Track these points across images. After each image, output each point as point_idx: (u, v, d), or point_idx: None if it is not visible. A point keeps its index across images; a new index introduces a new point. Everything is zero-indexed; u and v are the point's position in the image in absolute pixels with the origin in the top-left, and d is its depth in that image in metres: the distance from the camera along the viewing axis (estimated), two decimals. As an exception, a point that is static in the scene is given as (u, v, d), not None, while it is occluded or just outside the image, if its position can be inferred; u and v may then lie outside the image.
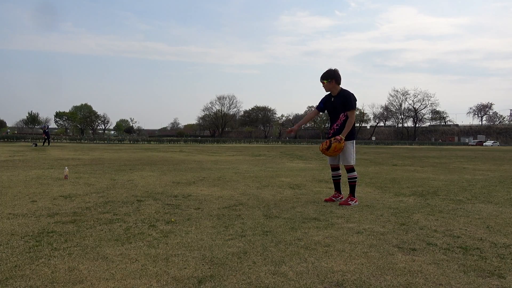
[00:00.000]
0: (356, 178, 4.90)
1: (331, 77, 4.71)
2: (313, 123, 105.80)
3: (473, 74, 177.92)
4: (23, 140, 41.15)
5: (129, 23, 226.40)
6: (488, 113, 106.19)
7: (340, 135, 4.67)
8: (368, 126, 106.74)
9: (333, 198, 5.07)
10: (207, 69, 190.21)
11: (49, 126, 30.83)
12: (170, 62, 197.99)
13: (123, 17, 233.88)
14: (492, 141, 77.80)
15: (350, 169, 4.86)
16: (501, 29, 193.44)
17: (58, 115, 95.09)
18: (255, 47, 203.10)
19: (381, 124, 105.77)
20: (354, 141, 4.89)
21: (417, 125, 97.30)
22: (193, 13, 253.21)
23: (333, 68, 4.77)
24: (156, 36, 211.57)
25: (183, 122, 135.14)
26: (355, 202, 4.80)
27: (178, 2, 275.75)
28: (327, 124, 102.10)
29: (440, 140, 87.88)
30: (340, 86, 4.81)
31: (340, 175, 5.14)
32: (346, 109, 4.73)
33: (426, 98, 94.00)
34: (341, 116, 4.79)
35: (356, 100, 4.80)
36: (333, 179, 5.18)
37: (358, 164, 12.59)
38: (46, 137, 26.70)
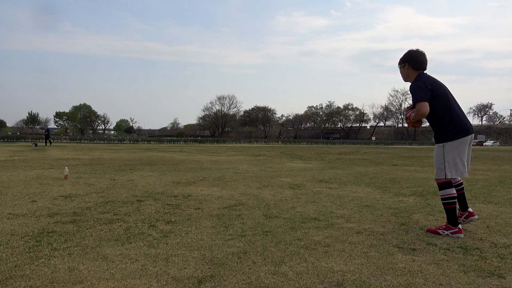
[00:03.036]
0: (450, 199, 3.41)
1: (403, 61, 3.60)
2: (313, 123, 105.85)
3: (470, 74, 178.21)
4: (23, 140, 41.14)
5: (126, 22, 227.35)
6: (488, 113, 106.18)
7: (411, 116, 3.53)
8: (368, 126, 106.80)
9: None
10: (205, 69, 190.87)
11: (48, 127, 30.83)
12: (168, 62, 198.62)
13: (121, 17, 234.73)
14: (492, 141, 77.79)
15: (439, 186, 3.50)
16: (499, 29, 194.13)
17: (58, 115, 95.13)
18: (253, 47, 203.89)
19: (381, 124, 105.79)
20: (448, 144, 3.39)
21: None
22: (191, 12, 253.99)
23: (414, 49, 3.58)
24: (153, 35, 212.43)
25: (183, 122, 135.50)
26: (452, 232, 3.39)
27: (176, 2, 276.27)
28: (327, 124, 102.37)
29: None
30: (421, 72, 3.53)
31: (458, 184, 3.64)
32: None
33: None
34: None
35: (424, 88, 3.35)
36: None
37: (358, 164, 12.57)
38: (45, 137, 26.85)
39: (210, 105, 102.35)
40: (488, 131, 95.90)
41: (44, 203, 4.60)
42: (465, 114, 3.56)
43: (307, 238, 3.25)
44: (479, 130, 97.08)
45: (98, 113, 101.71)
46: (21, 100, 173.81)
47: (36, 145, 24.88)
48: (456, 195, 3.43)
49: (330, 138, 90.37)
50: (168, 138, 58.56)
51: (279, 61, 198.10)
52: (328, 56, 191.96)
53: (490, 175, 9.23)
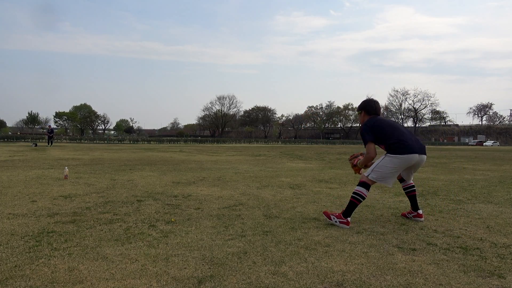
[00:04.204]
0: (359, 196, 3.72)
1: (359, 109, 4.11)
2: (313, 123, 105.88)
3: (470, 74, 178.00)
4: (23, 140, 41.15)
5: (126, 22, 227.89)
6: (488, 113, 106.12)
7: (359, 162, 4.04)
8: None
9: (406, 215, 4.18)
10: (205, 68, 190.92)
11: (49, 126, 31.04)
12: (168, 61, 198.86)
13: (120, 16, 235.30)
14: (492, 141, 77.78)
15: (360, 182, 3.80)
16: (498, 29, 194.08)
17: (58, 115, 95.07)
18: (252, 47, 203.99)
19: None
20: (390, 155, 3.71)
21: (417, 125, 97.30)
22: (190, 12, 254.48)
23: (369, 98, 4.22)
24: (153, 35, 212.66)
25: (183, 122, 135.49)
26: (340, 222, 3.69)
27: (175, 2, 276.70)
28: (327, 124, 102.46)
29: (444, 140, 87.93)
30: (372, 116, 3.98)
31: (410, 187, 4.12)
32: None
33: (426, 98, 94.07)
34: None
35: (367, 129, 3.82)
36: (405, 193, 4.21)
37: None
38: (48, 137, 27.02)
39: (210, 105, 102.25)
40: (488, 131, 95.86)
41: (44, 203, 4.60)
42: (418, 140, 3.92)
43: (307, 238, 3.25)
44: (479, 130, 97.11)
45: (98, 113, 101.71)
46: (21, 100, 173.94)
47: (36, 145, 24.89)
48: (365, 196, 3.75)
49: (330, 138, 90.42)
50: (168, 138, 58.54)
51: (279, 61, 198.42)
52: (327, 56, 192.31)
53: (490, 175, 9.23)
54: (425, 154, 3.87)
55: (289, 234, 3.36)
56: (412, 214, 4.07)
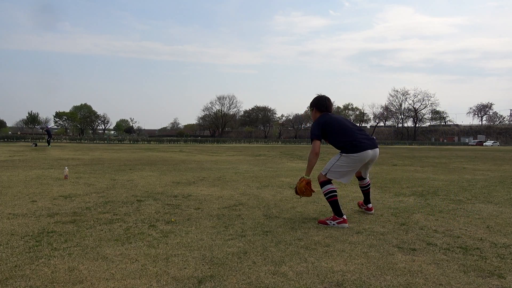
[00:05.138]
0: (330, 193, 3.81)
1: (311, 106, 4.12)
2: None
3: (470, 74, 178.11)
4: (23, 140, 41.14)
5: (125, 22, 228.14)
6: (488, 113, 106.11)
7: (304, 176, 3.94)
8: (368, 126, 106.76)
9: (360, 206, 4.55)
10: (205, 68, 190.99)
11: (49, 127, 31.08)
12: (168, 61, 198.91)
13: (119, 16, 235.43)
14: (492, 141, 77.79)
15: (320, 184, 3.90)
16: (498, 29, 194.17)
17: (58, 115, 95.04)
18: (252, 47, 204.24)
19: (381, 124, 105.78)
20: (345, 155, 3.82)
21: (417, 125, 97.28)
22: (190, 12, 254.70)
23: (321, 94, 4.13)
24: (152, 35, 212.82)
25: (183, 122, 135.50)
26: (338, 222, 3.72)
27: (175, 2, 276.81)
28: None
29: (444, 140, 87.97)
30: (324, 113, 4.02)
31: (366, 185, 4.36)
32: None
33: (426, 98, 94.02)
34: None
35: (317, 126, 3.87)
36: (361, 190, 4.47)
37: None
38: (48, 137, 27.06)
39: (210, 105, 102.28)
40: (488, 131, 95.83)
41: (44, 203, 4.60)
42: (368, 134, 4.05)
43: (307, 238, 3.25)
44: (479, 130, 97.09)
45: (98, 113, 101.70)
46: (21, 100, 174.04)
47: (36, 145, 24.89)
48: (335, 189, 3.85)
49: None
50: (168, 138, 58.52)
51: (279, 61, 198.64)
52: (327, 56, 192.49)
53: (490, 175, 9.23)
54: (377, 147, 4.00)
55: (289, 234, 3.36)
56: (364, 207, 4.45)
